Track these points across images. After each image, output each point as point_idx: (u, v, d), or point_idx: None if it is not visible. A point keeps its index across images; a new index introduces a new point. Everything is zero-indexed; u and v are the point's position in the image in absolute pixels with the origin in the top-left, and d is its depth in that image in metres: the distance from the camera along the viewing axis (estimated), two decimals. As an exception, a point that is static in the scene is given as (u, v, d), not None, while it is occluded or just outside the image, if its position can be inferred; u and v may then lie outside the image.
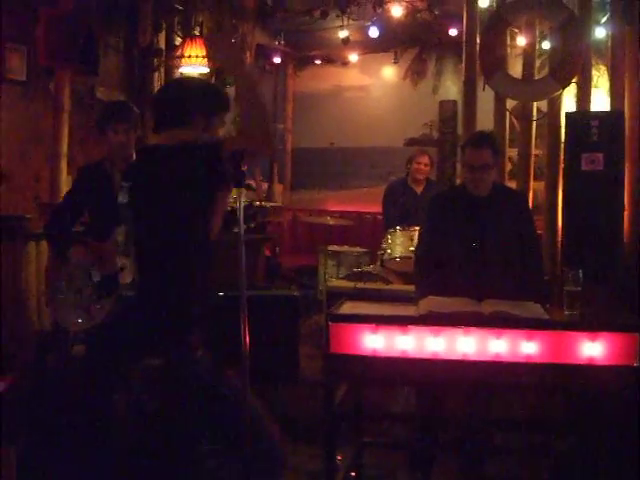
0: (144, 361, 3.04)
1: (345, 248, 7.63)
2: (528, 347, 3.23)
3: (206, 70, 6.76)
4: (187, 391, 2.94)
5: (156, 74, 6.96)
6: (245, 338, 2.58)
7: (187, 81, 3.31)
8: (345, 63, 10.43)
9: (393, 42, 9.22)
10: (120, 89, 7.08)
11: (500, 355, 3.24)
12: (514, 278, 4.16)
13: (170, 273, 2.98)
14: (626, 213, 5.80)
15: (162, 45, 7.02)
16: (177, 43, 6.99)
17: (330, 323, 3.24)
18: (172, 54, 6.82)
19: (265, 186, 10.30)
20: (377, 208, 9.22)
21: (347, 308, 3.48)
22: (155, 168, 2.95)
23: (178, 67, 6.73)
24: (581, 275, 3.51)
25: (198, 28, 6.84)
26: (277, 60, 10.14)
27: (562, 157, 5.92)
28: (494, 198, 4.22)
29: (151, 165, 2.98)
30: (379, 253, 6.47)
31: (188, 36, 6.60)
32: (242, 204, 2.45)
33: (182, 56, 6.45)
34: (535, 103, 6.28)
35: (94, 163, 4.59)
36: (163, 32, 7.05)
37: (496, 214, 4.20)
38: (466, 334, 3.22)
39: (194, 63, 6.46)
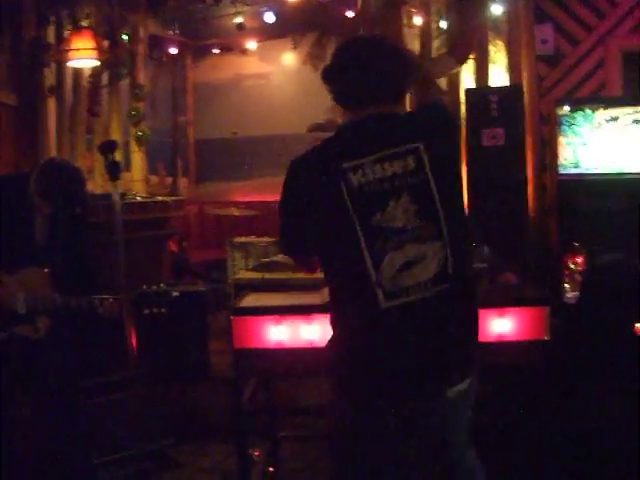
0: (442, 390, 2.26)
1: (252, 239, 7.45)
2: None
3: (97, 63, 6.53)
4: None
5: (47, 70, 6.66)
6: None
7: (405, 53, 2.52)
8: (244, 51, 10.20)
9: (291, 28, 9.09)
10: (10, 88, 6.76)
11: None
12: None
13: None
14: (529, 187, 5.84)
15: (51, 39, 6.73)
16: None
17: (233, 317, 3.11)
18: (60, 48, 6.54)
19: (169, 180, 10.08)
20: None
21: (250, 300, 3.35)
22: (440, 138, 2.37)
23: (66, 61, 6.46)
24: (486, 251, 3.47)
25: (87, 20, 6.57)
26: (174, 51, 9.84)
27: (463, 133, 5.90)
28: None
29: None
30: (287, 241, 6.35)
31: (75, 28, 6.34)
32: (118, 198, 2.27)
33: (70, 49, 6.20)
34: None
35: (16, 175, 4.09)
36: (52, 26, 6.76)
37: None
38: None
39: (83, 56, 6.21)
